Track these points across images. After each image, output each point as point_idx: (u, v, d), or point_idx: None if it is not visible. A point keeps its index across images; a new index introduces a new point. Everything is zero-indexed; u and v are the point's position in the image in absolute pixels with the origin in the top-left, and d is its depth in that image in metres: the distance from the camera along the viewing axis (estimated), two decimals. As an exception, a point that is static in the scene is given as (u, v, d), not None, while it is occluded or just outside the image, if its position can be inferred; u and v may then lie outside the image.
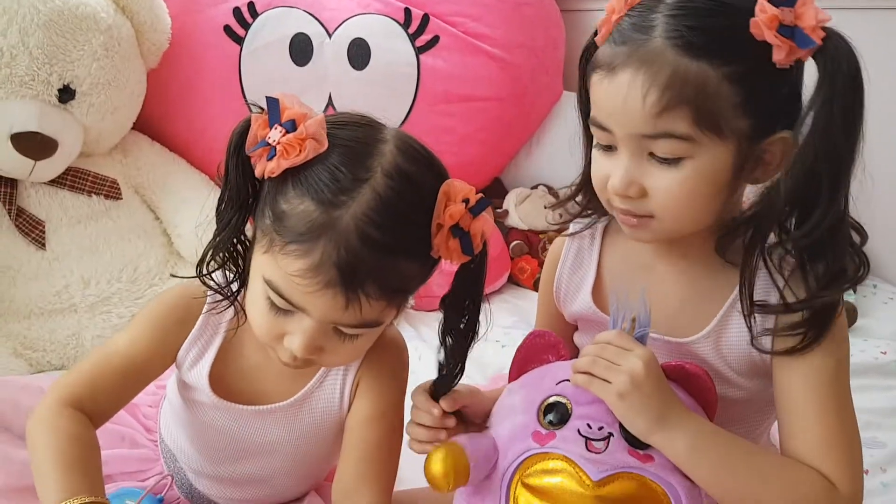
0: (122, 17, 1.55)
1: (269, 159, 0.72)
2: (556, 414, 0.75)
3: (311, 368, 0.85)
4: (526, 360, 0.84)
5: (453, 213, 0.72)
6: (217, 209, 0.78)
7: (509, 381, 0.85)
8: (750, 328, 0.78)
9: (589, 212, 0.91)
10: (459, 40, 1.83)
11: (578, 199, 0.90)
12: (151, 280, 1.51)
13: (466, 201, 0.73)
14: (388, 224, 0.71)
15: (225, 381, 0.85)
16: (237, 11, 1.76)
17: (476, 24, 1.83)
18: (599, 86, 0.75)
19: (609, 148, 0.77)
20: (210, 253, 0.78)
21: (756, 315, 0.78)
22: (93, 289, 1.45)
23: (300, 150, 0.71)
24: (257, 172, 0.73)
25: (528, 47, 1.85)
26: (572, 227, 0.93)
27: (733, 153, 0.73)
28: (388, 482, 0.83)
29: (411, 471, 0.98)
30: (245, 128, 0.74)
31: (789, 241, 0.75)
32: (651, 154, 0.74)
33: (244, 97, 1.73)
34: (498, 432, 0.78)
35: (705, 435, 0.73)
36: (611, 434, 0.73)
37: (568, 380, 0.77)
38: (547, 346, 0.84)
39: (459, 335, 0.81)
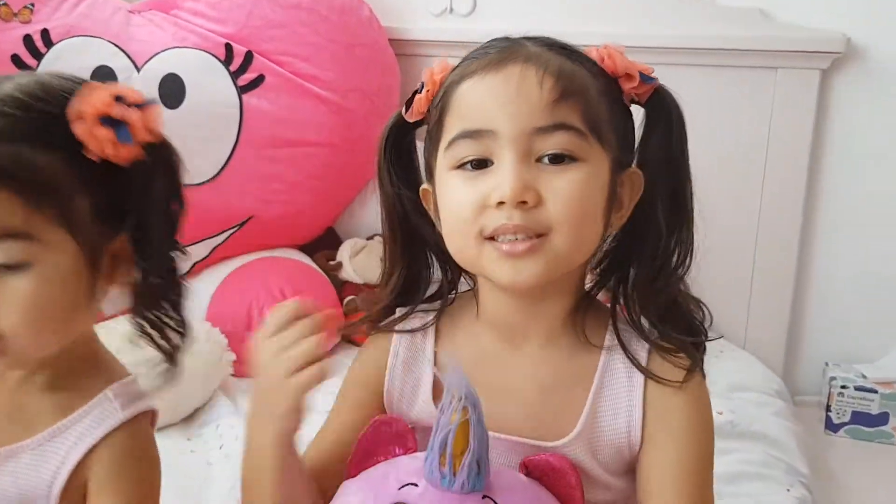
0: None
1: None
2: None
3: (34, 413, 0.70)
4: (368, 452, 0.73)
5: (95, 101, 0.64)
6: None
7: (347, 477, 0.73)
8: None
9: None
10: (287, 81, 1.70)
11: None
12: None
13: (119, 97, 0.65)
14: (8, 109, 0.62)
15: None
16: (28, 39, 1.55)
17: (305, 64, 1.71)
18: (478, 86, 0.69)
19: (481, 165, 0.69)
20: None
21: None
22: None
23: None
24: None
25: (362, 91, 1.75)
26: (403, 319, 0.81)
27: (609, 170, 0.71)
28: None
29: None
30: None
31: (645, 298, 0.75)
32: (539, 160, 0.68)
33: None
34: None
35: None
36: None
37: (414, 483, 0.65)
38: (393, 436, 0.73)
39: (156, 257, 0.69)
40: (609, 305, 0.77)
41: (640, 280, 0.74)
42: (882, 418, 1.68)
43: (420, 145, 0.80)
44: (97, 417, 0.69)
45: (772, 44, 1.71)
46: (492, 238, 0.69)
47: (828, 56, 1.70)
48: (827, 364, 1.80)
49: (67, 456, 0.69)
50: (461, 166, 0.70)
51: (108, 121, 0.64)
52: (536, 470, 0.69)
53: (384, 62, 1.82)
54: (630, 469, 0.75)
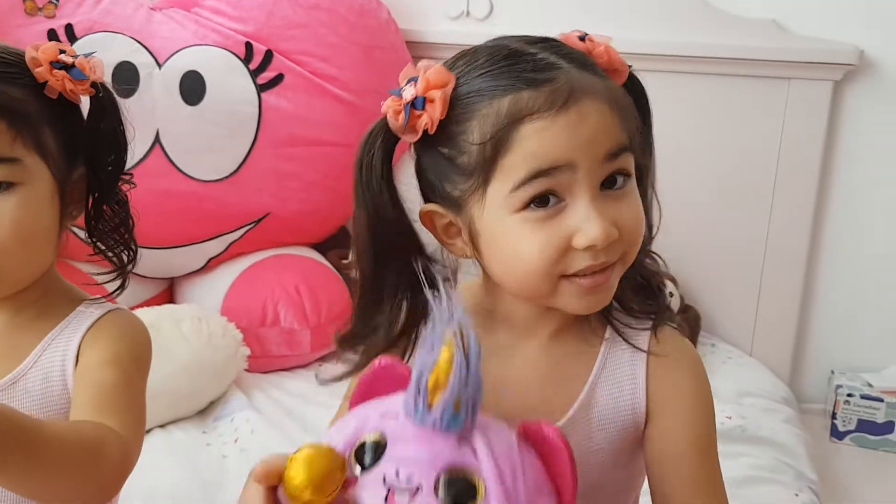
0: None
1: None
2: (370, 454, 0.61)
3: (27, 345, 0.78)
4: (368, 391, 0.69)
5: (46, 50, 0.75)
6: None
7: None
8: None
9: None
10: (306, 80, 1.71)
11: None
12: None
13: (62, 51, 0.76)
14: None
15: None
16: (52, 34, 1.57)
17: (324, 64, 1.72)
18: (550, 129, 0.66)
19: (543, 202, 0.67)
20: None
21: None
22: None
23: None
24: None
25: (379, 92, 1.71)
26: None
27: None
28: (134, 421, 0.73)
29: None
30: None
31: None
32: (601, 185, 0.68)
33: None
34: None
35: None
36: (420, 486, 0.58)
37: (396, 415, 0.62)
38: (394, 377, 0.68)
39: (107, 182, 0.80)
40: None
41: None
42: (888, 427, 1.70)
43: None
44: (80, 320, 0.79)
45: (785, 55, 1.73)
46: (569, 275, 0.69)
47: (841, 68, 1.71)
48: (833, 372, 1.82)
49: (66, 350, 0.78)
50: (525, 207, 0.67)
51: (58, 66, 0.75)
52: (533, 437, 0.65)
53: (401, 64, 1.79)
54: (635, 452, 0.76)
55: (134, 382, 0.77)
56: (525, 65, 0.68)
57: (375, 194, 0.72)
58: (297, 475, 0.57)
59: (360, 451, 0.61)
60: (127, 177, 0.82)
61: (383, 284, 0.74)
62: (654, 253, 0.79)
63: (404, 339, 0.75)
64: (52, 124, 0.76)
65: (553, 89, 0.66)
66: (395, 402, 0.64)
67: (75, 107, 0.78)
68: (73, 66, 0.76)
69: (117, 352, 0.77)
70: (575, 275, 0.68)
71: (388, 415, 0.63)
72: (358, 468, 0.60)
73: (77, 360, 0.77)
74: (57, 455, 0.62)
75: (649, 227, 0.77)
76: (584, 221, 0.66)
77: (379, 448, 0.61)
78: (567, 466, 0.65)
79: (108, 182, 0.81)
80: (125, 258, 0.83)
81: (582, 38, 0.73)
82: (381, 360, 0.69)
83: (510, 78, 0.68)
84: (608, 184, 0.68)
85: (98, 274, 0.83)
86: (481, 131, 0.67)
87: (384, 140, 0.72)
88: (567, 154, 0.66)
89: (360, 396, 0.69)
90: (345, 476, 0.58)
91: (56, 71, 0.75)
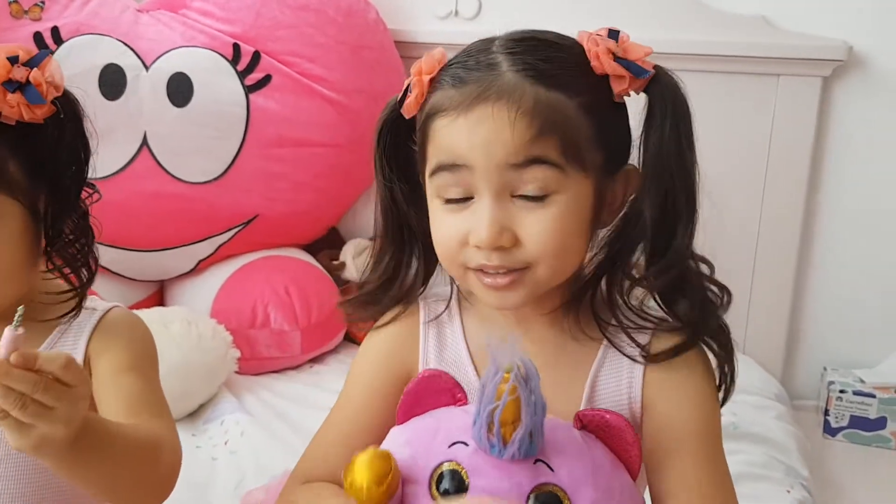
0: None
1: None
2: (451, 483, 0.64)
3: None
4: (416, 402, 0.72)
5: None
6: None
7: (396, 423, 0.72)
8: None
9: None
10: (293, 81, 1.71)
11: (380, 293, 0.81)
12: None
13: (14, 58, 0.69)
14: None
15: None
16: (38, 37, 1.57)
17: (312, 65, 1.72)
18: (451, 126, 0.70)
19: (461, 200, 0.70)
20: None
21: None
22: None
23: None
24: None
25: (368, 92, 1.76)
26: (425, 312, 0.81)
27: (592, 189, 0.71)
28: (170, 422, 0.75)
29: None
30: None
31: (645, 281, 0.73)
32: (514, 196, 0.69)
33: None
34: None
35: None
36: None
37: (463, 442, 0.65)
38: (441, 389, 0.71)
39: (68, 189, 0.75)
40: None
41: (648, 261, 0.74)
42: (880, 423, 1.70)
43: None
44: (82, 320, 0.78)
45: (774, 51, 1.72)
46: (472, 268, 0.72)
47: (830, 63, 1.71)
48: (825, 369, 1.81)
49: (73, 352, 0.76)
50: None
51: (12, 85, 0.68)
52: (592, 424, 0.68)
53: (390, 64, 1.83)
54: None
55: (156, 385, 0.78)
56: (470, 61, 0.72)
57: (378, 158, 0.78)
58: (360, 472, 0.61)
59: (439, 480, 0.64)
60: (92, 187, 0.78)
61: (391, 247, 0.80)
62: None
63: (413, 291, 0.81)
64: (14, 154, 0.70)
65: (469, 90, 0.69)
66: (457, 426, 0.67)
67: (36, 125, 0.72)
68: (27, 82, 0.68)
69: (132, 358, 0.77)
70: (478, 270, 0.71)
71: (453, 441, 0.65)
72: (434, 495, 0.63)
73: (85, 361, 0.77)
74: (122, 449, 0.64)
75: (651, 229, 0.72)
76: (476, 221, 0.69)
77: (457, 476, 0.64)
78: (633, 443, 0.69)
79: (69, 193, 0.75)
80: (83, 275, 0.78)
81: (614, 37, 0.74)
82: (426, 371, 0.73)
83: (455, 71, 0.72)
84: (531, 195, 0.68)
85: (59, 293, 0.78)
86: (420, 119, 0.74)
87: (389, 112, 0.78)
88: (464, 154, 0.69)
89: (408, 407, 0.72)
90: (399, 475, 0.63)
91: (10, 96, 0.68)
